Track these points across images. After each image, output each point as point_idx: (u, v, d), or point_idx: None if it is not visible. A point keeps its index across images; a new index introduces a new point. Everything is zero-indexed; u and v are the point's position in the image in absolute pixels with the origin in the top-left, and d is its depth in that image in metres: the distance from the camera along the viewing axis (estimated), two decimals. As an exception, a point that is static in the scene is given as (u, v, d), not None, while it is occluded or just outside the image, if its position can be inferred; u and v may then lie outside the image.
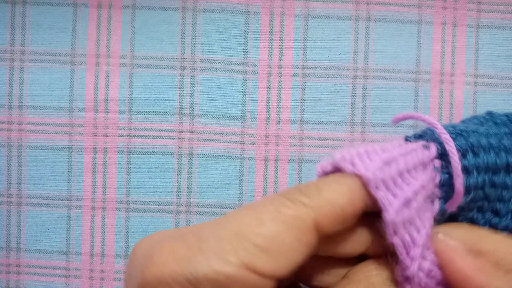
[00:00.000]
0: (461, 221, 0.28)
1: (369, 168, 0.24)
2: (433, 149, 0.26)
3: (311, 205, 0.22)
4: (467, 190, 0.27)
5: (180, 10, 0.37)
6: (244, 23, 0.37)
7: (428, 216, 0.25)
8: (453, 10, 0.36)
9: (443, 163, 0.26)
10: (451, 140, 0.26)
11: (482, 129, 0.28)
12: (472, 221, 0.28)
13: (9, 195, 0.37)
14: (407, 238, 0.23)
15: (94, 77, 0.37)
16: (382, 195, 0.23)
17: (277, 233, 0.21)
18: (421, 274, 0.23)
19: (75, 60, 0.37)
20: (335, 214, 0.22)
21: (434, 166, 0.26)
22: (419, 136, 0.28)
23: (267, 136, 0.37)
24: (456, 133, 0.27)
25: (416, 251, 0.23)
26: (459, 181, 0.25)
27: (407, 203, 0.24)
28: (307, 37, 0.37)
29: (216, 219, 0.22)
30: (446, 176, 0.26)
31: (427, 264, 0.24)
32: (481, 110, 0.36)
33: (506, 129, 0.30)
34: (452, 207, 0.26)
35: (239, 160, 0.37)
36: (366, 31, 0.36)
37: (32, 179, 0.37)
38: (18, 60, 0.37)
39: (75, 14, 0.37)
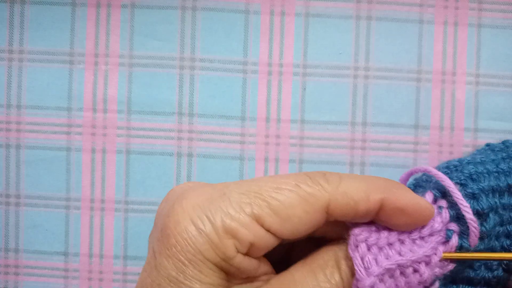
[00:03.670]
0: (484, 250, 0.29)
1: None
2: (445, 213, 0.28)
3: (328, 189, 0.25)
4: (482, 214, 0.28)
5: (179, 9, 0.37)
6: (244, 22, 0.37)
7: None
8: (454, 9, 0.36)
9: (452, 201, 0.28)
10: (445, 177, 0.28)
11: (478, 158, 0.30)
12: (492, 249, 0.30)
13: (7, 196, 0.37)
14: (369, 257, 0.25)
15: (93, 77, 0.37)
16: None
17: (291, 203, 0.24)
18: None
19: (74, 59, 0.37)
20: (348, 205, 0.25)
21: (439, 206, 0.28)
22: (418, 185, 0.30)
23: (267, 136, 0.37)
24: (451, 169, 0.30)
25: (375, 270, 0.25)
26: (467, 210, 0.27)
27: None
28: (307, 36, 0.36)
29: (241, 180, 0.26)
30: (454, 212, 0.28)
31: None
32: (482, 110, 0.36)
33: (504, 154, 0.31)
34: (473, 240, 0.27)
35: (239, 160, 0.37)
36: (367, 30, 0.36)
37: (31, 179, 0.37)
38: (16, 59, 0.37)
39: (73, 13, 0.37)
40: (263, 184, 0.25)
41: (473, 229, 0.27)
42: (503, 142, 0.33)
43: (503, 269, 0.30)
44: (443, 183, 0.28)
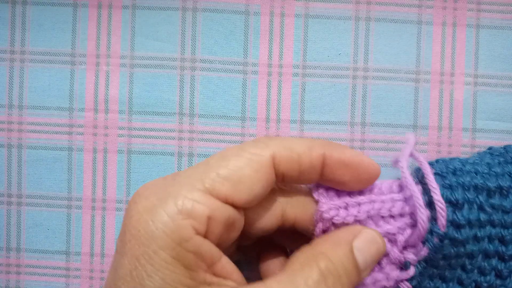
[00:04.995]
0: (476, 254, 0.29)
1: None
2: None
3: (271, 145, 0.25)
4: (457, 204, 0.28)
5: (180, 10, 0.37)
6: (244, 23, 0.37)
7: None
8: (453, 10, 0.36)
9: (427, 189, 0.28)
10: (424, 161, 0.28)
11: (472, 159, 0.30)
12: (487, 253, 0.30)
13: (9, 195, 0.37)
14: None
15: (94, 77, 0.37)
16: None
17: (238, 165, 0.25)
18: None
19: (75, 60, 0.37)
20: (291, 158, 0.26)
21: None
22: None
23: (267, 136, 0.37)
24: (439, 161, 0.30)
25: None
26: (435, 192, 0.27)
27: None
28: (307, 37, 0.37)
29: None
30: (427, 197, 0.28)
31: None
32: (481, 110, 0.36)
33: (501, 159, 0.31)
34: (441, 223, 0.27)
35: (239, 160, 0.37)
36: (366, 31, 0.36)
37: (32, 179, 0.37)
38: (18, 60, 0.37)
39: (75, 14, 0.37)
40: (210, 160, 0.26)
41: (440, 210, 0.27)
42: (504, 147, 0.33)
43: (496, 275, 0.30)
44: (419, 164, 0.28)
